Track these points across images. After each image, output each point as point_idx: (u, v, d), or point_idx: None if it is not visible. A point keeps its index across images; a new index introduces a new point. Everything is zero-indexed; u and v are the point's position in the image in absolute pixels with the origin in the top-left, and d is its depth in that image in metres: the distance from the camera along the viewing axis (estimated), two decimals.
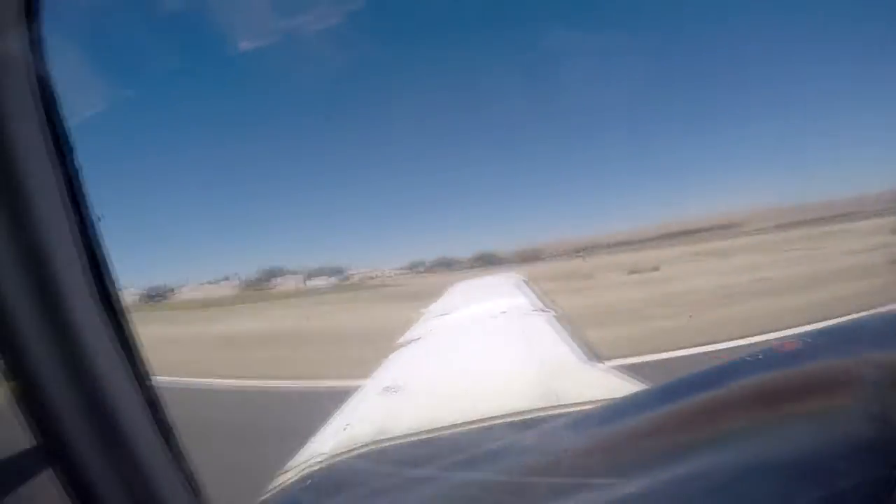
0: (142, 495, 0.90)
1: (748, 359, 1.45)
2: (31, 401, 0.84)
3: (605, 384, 2.22)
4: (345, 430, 2.11)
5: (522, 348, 3.15)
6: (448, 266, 20.34)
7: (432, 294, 7.00)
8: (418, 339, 3.86)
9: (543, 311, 4.38)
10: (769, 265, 14.26)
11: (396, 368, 3.08)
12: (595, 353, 2.68)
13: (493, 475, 1.57)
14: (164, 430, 0.97)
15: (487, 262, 19.38)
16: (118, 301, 1.00)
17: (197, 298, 21.70)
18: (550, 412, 1.95)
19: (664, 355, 7.27)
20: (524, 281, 7.31)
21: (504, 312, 4.50)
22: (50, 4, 0.89)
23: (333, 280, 21.74)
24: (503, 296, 5.72)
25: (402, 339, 3.89)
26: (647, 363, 6.93)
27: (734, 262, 15.41)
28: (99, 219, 0.98)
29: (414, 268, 21.02)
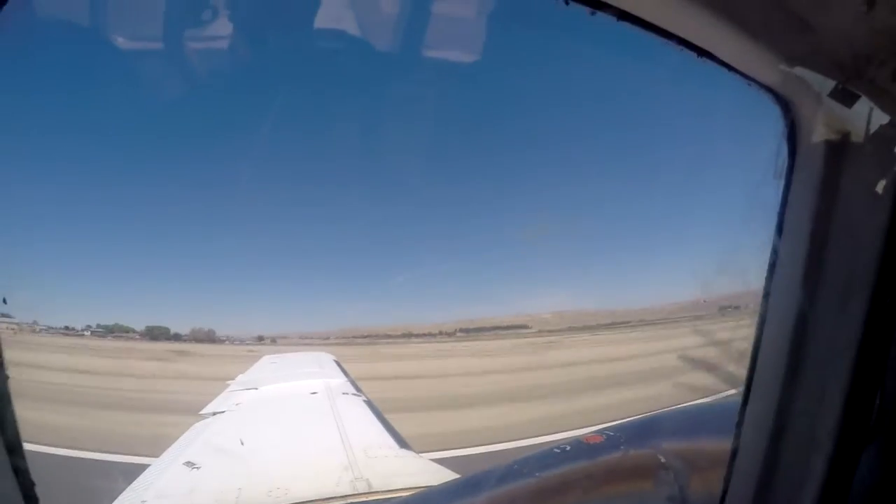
0: None
1: (556, 450, 1.55)
2: None
3: (416, 472, 2.34)
4: None
5: (333, 432, 3.15)
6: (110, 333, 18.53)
7: None
8: (223, 412, 3.63)
9: (355, 394, 4.49)
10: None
11: (198, 443, 2.89)
12: (405, 441, 2.90)
13: None
14: None
15: (154, 336, 18.34)
16: None
17: None
18: (360, 499, 2.01)
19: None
20: (335, 360, 7.26)
21: (315, 393, 4.47)
22: None
23: None
24: (313, 375, 5.64)
25: (204, 411, 3.63)
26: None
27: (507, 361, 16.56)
28: None
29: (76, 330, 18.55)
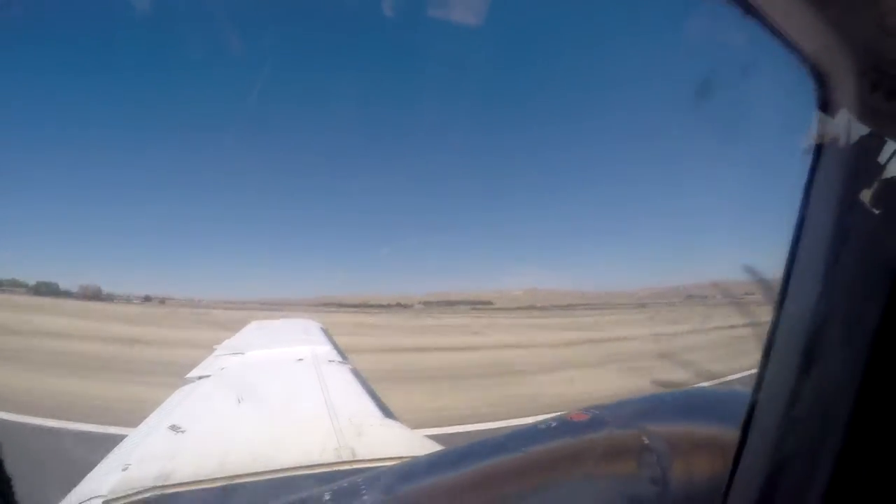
0: None
1: (541, 426, 1.54)
2: None
3: (401, 442, 2.34)
4: (124, 470, 1.96)
5: (319, 399, 3.16)
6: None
7: None
8: (208, 376, 3.63)
9: (341, 362, 4.51)
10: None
11: (183, 407, 2.89)
12: (390, 411, 2.92)
13: None
14: None
15: (41, 292, 18.37)
16: None
17: None
18: (345, 467, 2.01)
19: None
20: (322, 328, 7.28)
21: (301, 360, 4.48)
22: None
23: None
24: (301, 342, 5.65)
25: (190, 375, 3.62)
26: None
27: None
28: None
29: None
